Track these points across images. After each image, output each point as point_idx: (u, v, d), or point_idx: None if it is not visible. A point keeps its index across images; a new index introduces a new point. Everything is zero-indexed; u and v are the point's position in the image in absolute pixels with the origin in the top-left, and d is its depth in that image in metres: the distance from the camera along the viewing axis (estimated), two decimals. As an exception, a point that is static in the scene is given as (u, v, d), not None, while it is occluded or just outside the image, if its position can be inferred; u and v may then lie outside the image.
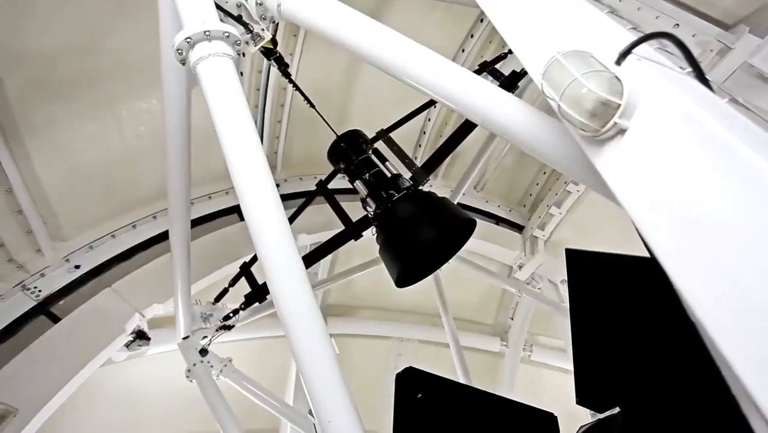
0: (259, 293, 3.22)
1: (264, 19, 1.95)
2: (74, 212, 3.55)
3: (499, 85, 3.52)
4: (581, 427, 2.08)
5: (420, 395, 2.26)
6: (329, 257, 4.18)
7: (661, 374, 1.86)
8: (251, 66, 4.01)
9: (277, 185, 5.03)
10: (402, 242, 2.43)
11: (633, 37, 0.96)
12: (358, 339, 5.60)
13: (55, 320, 3.28)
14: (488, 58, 4.75)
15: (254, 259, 3.28)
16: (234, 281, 3.39)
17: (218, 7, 1.86)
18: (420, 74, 1.46)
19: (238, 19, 1.96)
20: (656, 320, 1.89)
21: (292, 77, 2.73)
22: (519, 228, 5.84)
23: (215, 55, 1.64)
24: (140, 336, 3.64)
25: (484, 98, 1.31)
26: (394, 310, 5.64)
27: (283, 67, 2.54)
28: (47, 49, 2.89)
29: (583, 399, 2.05)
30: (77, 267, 3.52)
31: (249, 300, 3.27)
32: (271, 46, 2.18)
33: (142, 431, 4.37)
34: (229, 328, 3.50)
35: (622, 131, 0.82)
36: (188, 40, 1.64)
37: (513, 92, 3.59)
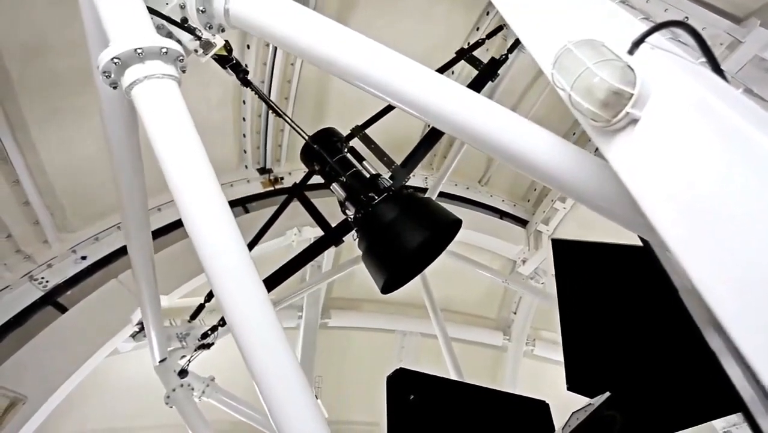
0: None
1: (210, 27, 1.65)
2: (80, 204, 3.57)
3: (479, 73, 3.40)
4: (573, 413, 2.11)
5: (413, 397, 2.25)
6: (332, 248, 4.18)
7: (648, 356, 1.88)
8: (256, 58, 4.01)
9: (281, 178, 5.04)
10: (386, 250, 2.31)
11: (645, 26, 0.94)
12: (362, 332, 5.63)
13: (62, 310, 3.32)
14: (494, 51, 4.72)
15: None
16: (209, 296, 3.20)
17: (154, 12, 1.55)
18: (405, 90, 1.28)
19: (182, 24, 1.63)
20: (641, 305, 1.90)
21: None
22: (523, 223, 5.83)
23: (152, 77, 1.36)
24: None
25: (478, 115, 1.21)
26: (398, 303, 5.65)
27: (242, 75, 2.30)
28: (53, 42, 2.89)
29: (573, 385, 2.08)
30: (83, 258, 3.55)
31: None
32: (225, 53, 1.95)
33: (148, 420, 4.42)
34: (208, 346, 3.34)
35: (634, 121, 0.81)
36: (115, 60, 1.34)
37: (493, 80, 3.51)
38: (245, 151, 4.56)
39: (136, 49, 1.35)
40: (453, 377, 4.50)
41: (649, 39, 0.89)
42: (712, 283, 0.57)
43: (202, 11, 1.62)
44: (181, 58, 1.47)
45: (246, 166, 4.62)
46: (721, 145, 0.63)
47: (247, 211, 4.50)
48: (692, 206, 0.63)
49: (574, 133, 5.30)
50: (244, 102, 4.20)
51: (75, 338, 3.17)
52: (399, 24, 4.20)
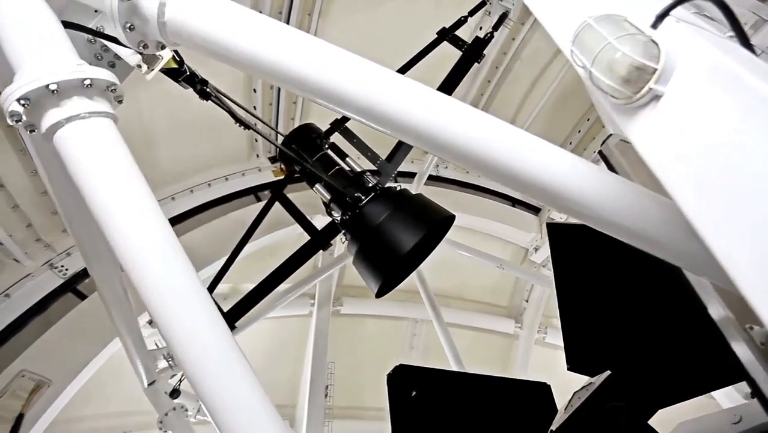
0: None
1: (146, 47, 1.32)
2: (96, 193, 3.63)
3: (463, 54, 3.16)
4: (575, 392, 2.11)
5: (414, 393, 2.24)
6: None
7: (646, 331, 1.87)
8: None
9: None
10: (379, 255, 2.19)
11: (669, 0, 0.91)
12: (374, 319, 5.68)
13: (82, 297, 3.41)
14: (505, 36, 4.62)
15: (214, 283, 2.91)
16: None
17: (73, 26, 1.23)
18: (387, 112, 1.06)
19: (115, 38, 1.28)
20: (637, 282, 1.89)
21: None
22: (536, 210, 5.77)
23: (75, 119, 1.06)
24: (162, 314, 3.75)
25: (469, 131, 1.02)
26: (409, 291, 5.67)
27: (199, 87, 2.03)
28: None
29: (574, 365, 2.08)
30: (101, 247, 3.63)
31: None
32: (175, 66, 1.70)
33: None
34: None
35: (657, 97, 0.78)
36: (23, 102, 1.04)
37: (479, 61, 3.25)
38: (256, 140, 4.58)
39: (48, 86, 1.03)
40: (453, 367, 4.53)
41: (673, 12, 0.85)
42: (740, 259, 0.55)
43: (130, 28, 1.23)
44: (113, 87, 1.15)
45: (257, 155, 4.65)
46: (752, 119, 0.61)
47: (258, 199, 4.53)
48: (719, 183, 0.61)
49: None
50: (255, 90, 4.20)
51: (95, 324, 3.25)
52: (408, 7, 4.13)
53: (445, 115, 1.05)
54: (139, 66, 1.41)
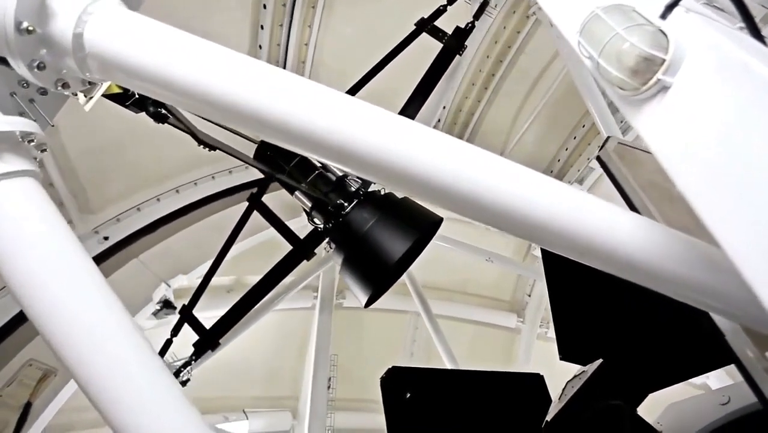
0: (209, 340, 2.69)
1: (66, 86, 1.10)
2: (101, 186, 3.65)
3: (444, 46, 2.89)
4: (568, 381, 2.13)
5: (409, 395, 2.24)
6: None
7: (637, 319, 1.88)
8: (269, 39, 3.98)
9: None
10: (368, 265, 2.13)
11: (678, -10, 0.90)
12: (377, 313, 5.69)
13: (88, 288, 3.43)
14: (510, 30, 4.57)
15: (193, 301, 2.77)
16: (176, 330, 2.84)
17: None
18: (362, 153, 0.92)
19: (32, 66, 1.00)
20: None
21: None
22: (539, 205, 5.75)
23: None
24: (166, 305, 3.78)
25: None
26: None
27: (152, 109, 1.83)
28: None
29: (566, 355, 2.09)
30: (106, 239, 3.65)
31: (199, 349, 2.73)
32: (119, 90, 1.50)
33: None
34: (183, 384, 2.96)
35: (665, 88, 0.78)
36: None
37: (461, 53, 2.99)
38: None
39: None
40: (446, 362, 4.55)
41: (683, 2, 0.85)
42: (748, 252, 0.55)
43: (39, 67, 0.99)
44: (31, 138, 0.94)
45: (261, 149, 4.64)
46: (762, 111, 0.60)
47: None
48: (728, 174, 0.61)
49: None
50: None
51: (100, 315, 3.28)
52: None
53: (418, 149, 0.93)
54: (75, 95, 1.17)
